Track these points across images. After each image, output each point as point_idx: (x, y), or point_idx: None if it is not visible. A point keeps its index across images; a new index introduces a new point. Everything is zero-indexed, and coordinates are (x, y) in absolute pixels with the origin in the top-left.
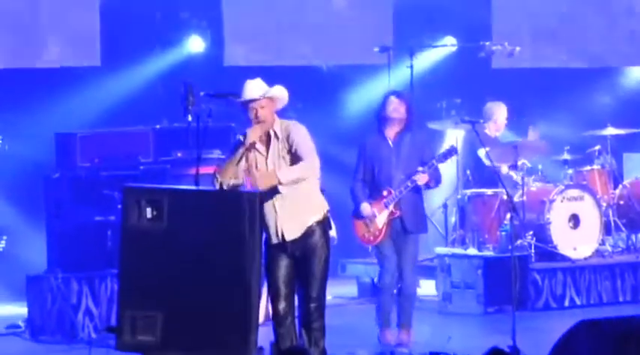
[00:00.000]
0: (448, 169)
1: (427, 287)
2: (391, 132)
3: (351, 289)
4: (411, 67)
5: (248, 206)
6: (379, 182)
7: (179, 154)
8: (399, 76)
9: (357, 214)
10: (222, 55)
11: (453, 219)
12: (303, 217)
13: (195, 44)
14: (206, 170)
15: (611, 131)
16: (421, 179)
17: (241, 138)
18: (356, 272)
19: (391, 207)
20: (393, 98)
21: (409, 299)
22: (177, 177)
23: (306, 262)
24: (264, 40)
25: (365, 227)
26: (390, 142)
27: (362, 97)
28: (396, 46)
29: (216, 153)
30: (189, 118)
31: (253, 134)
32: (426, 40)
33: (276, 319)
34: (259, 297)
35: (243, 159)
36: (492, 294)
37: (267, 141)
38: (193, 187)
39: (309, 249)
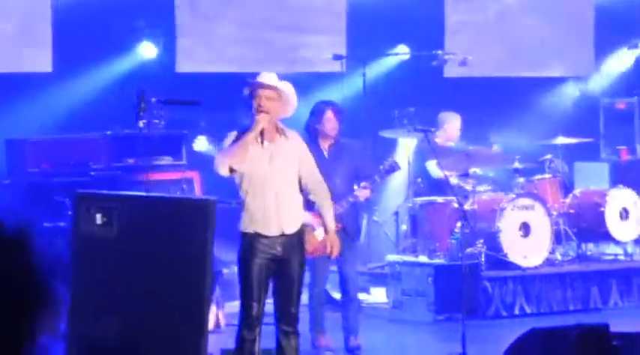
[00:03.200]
0: (400, 177)
1: (378, 295)
2: (325, 143)
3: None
4: (364, 75)
5: (201, 213)
6: None
7: (131, 161)
8: (352, 83)
9: None
10: (174, 62)
11: (404, 226)
12: (299, 213)
13: (147, 50)
14: (158, 176)
15: (562, 140)
16: (363, 194)
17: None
18: (307, 280)
19: None
20: (330, 115)
21: (356, 304)
22: (128, 183)
23: (290, 262)
24: (217, 47)
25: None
26: (326, 154)
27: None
28: (350, 54)
29: (168, 160)
30: (141, 125)
31: (263, 121)
32: (379, 48)
33: (248, 322)
34: (210, 305)
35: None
36: (443, 302)
37: (261, 135)
38: (145, 194)
39: (296, 248)
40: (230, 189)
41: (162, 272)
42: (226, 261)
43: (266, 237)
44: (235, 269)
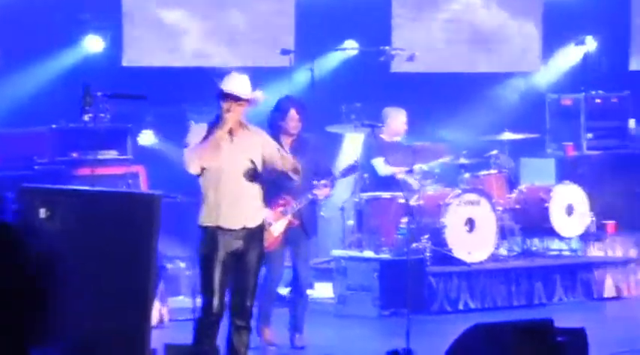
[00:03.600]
0: None
1: (323, 290)
2: (287, 139)
3: None
4: (312, 70)
5: (146, 208)
6: (275, 189)
7: (76, 155)
8: (300, 78)
9: None
10: (120, 55)
11: (350, 222)
12: (260, 208)
13: (93, 44)
14: (103, 171)
15: (508, 136)
16: (323, 193)
17: (201, 124)
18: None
19: (289, 217)
20: (294, 113)
21: (305, 302)
22: (73, 177)
23: (248, 256)
24: (164, 41)
25: None
26: (287, 149)
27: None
28: (298, 49)
29: (113, 154)
30: (87, 119)
31: (231, 120)
32: (327, 43)
33: (209, 317)
34: (154, 300)
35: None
36: (388, 297)
37: (229, 131)
38: (90, 188)
39: (255, 242)
40: (175, 184)
41: (106, 267)
42: (171, 255)
43: (228, 230)
44: (180, 264)
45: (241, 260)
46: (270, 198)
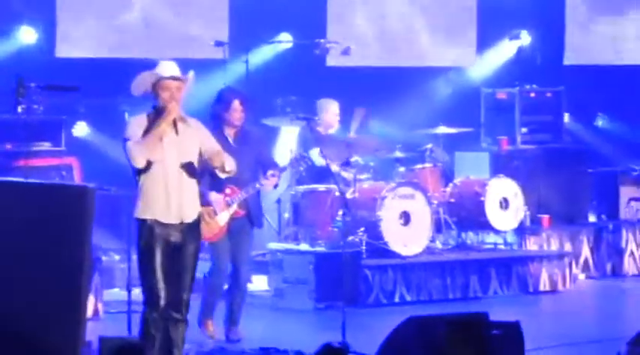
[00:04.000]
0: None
1: (259, 283)
2: (231, 131)
3: None
4: (247, 62)
5: (80, 200)
6: (220, 180)
7: (9, 146)
8: (234, 70)
9: (208, 203)
10: (54, 47)
11: (286, 214)
12: (197, 201)
13: (26, 35)
14: (36, 162)
15: (443, 130)
16: (270, 183)
17: (139, 116)
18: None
19: (235, 207)
20: (237, 105)
21: (243, 295)
22: (6, 169)
23: (186, 248)
24: (98, 32)
25: (204, 223)
26: (231, 140)
27: (197, 92)
28: (232, 42)
29: (47, 146)
30: (20, 110)
31: (174, 110)
32: (262, 35)
33: (152, 310)
34: (88, 292)
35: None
36: (324, 290)
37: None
38: (21, 180)
39: (192, 236)
40: (109, 176)
41: (39, 260)
42: (105, 248)
43: (167, 224)
44: (115, 256)
45: (179, 253)
46: (217, 187)
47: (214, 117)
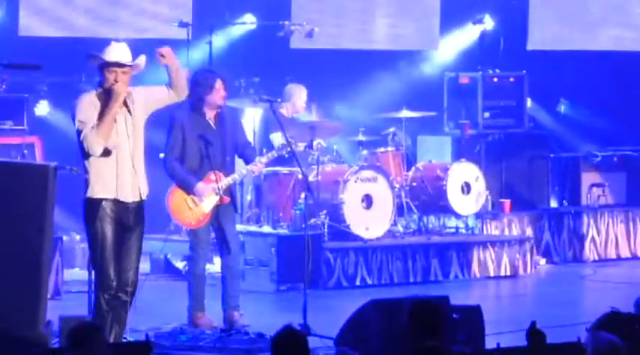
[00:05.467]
0: None
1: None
2: (211, 113)
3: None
4: (210, 43)
5: (42, 179)
6: (205, 165)
7: None
8: (198, 52)
9: (194, 194)
10: (17, 26)
11: (248, 197)
12: (146, 181)
13: None
14: None
15: (406, 114)
16: (258, 169)
17: (87, 97)
18: (149, 248)
19: (221, 194)
20: (220, 85)
21: (238, 276)
22: None
23: (136, 230)
24: (61, 11)
25: (188, 209)
26: (212, 123)
27: (159, 72)
28: (196, 22)
29: (9, 125)
30: None
31: (123, 91)
32: (225, 16)
33: (105, 289)
34: (49, 272)
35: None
36: (285, 272)
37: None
38: None
39: (141, 217)
40: (71, 155)
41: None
42: (66, 227)
43: (120, 202)
44: (75, 236)
45: (129, 233)
46: (201, 173)
47: (193, 101)
